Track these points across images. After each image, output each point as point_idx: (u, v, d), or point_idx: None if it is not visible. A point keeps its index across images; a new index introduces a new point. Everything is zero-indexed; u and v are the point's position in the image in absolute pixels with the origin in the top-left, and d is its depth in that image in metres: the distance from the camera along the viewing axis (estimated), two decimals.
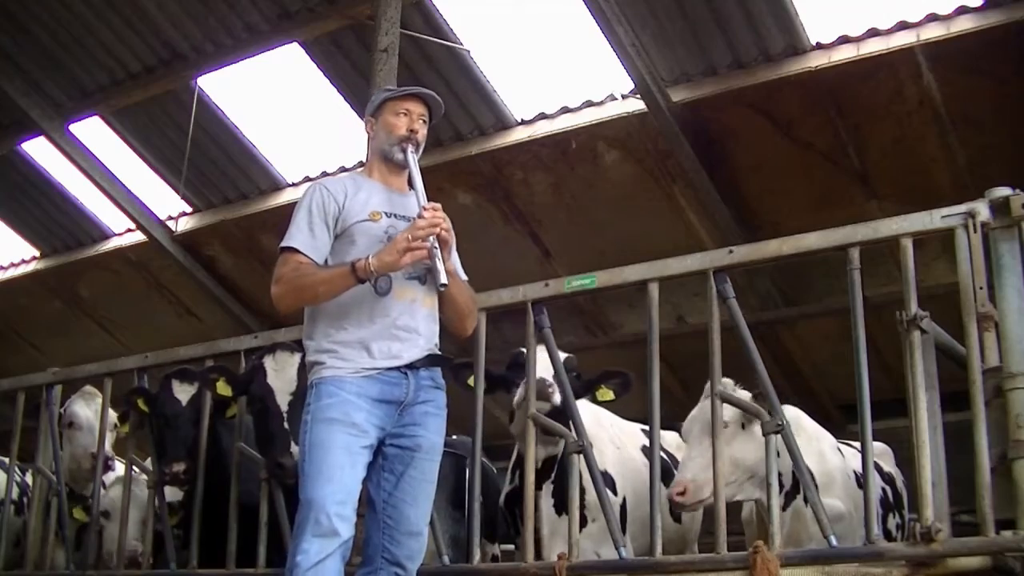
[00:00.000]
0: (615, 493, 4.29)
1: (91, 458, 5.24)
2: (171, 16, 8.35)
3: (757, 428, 3.88)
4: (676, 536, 4.68)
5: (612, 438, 4.55)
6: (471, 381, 4.14)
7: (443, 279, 3.20)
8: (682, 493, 3.75)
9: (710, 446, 3.63)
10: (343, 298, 3.29)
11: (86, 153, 9.65)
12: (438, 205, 3.30)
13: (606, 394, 4.22)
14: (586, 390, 4.19)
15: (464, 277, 3.59)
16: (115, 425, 5.21)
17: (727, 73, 7.55)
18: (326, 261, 3.38)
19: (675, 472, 4.82)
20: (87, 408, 5.48)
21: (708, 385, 3.98)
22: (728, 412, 3.86)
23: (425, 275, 3.36)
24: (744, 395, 3.94)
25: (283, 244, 3.37)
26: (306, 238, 3.35)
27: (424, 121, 3.49)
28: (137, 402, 4.87)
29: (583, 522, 4.06)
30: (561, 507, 3.98)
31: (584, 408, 4.32)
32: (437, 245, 3.23)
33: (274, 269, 3.38)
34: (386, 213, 3.41)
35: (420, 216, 3.26)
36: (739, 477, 3.94)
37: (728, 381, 4.09)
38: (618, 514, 4.21)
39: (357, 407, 3.23)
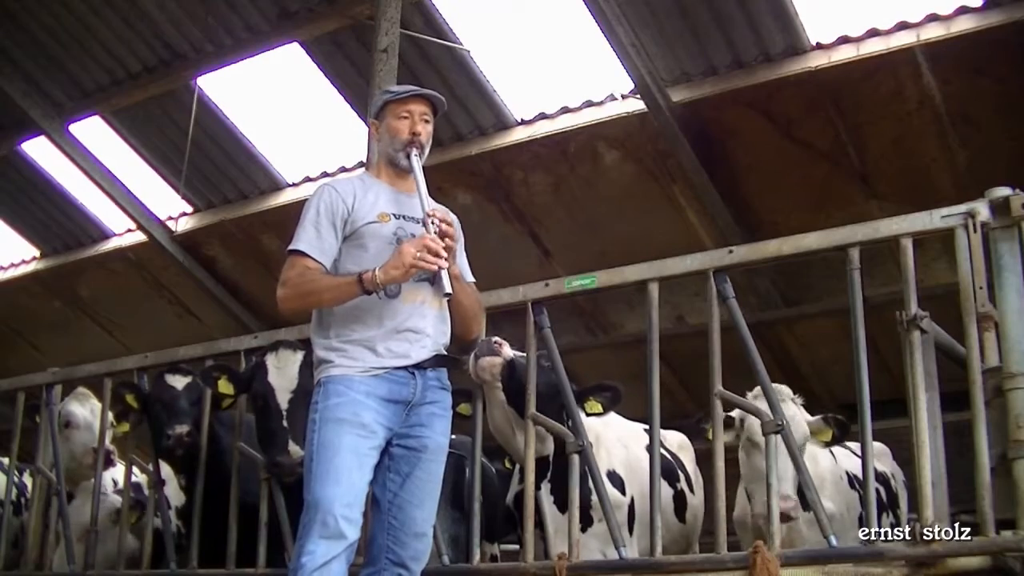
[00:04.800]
0: (623, 493, 4.27)
1: (92, 453, 5.22)
2: (171, 16, 8.36)
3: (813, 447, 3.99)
4: (680, 536, 4.68)
5: (620, 437, 4.52)
6: (460, 408, 4.08)
7: (447, 288, 3.18)
8: (793, 506, 3.82)
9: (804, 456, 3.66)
10: (352, 301, 3.29)
11: (86, 153, 9.66)
12: (444, 210, 3.29)
13: (595, 407, 4.16)
14: (577, 400, 4.10)
15: (471, 279, 3.58)
16: (112, 424, 5.20)
17: (727, 73, 7.55)
18: (335, 263, 3.37)
19: (678, 472, 4.85)
20: (82, 407, 5.48)
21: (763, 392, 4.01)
22: (802, 431, 3.98)
23: (433, 276, 3.34)
24: (802, 411, 4.09)
25: (290, 247, 3.37)
26: (313, 240, 3.34)
27: (427, 120, 3.48)
28: (127, 398, 4.83)
29: (589, 521, 4.06)
30: (563, 505, 3.97)
31: None
32: (444, 255, 3.20)
33: (281, 271, 3.38)
34: (394, 215, 3.40)
35: (424, 224, 3.24)
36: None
37: (785, 389, 4.20)
38: (626, 514, 4.21)
39: (366, 407, 3.22)
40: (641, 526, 4.24)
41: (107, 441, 5.13)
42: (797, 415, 4.15)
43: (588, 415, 4.17)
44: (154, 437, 4.73)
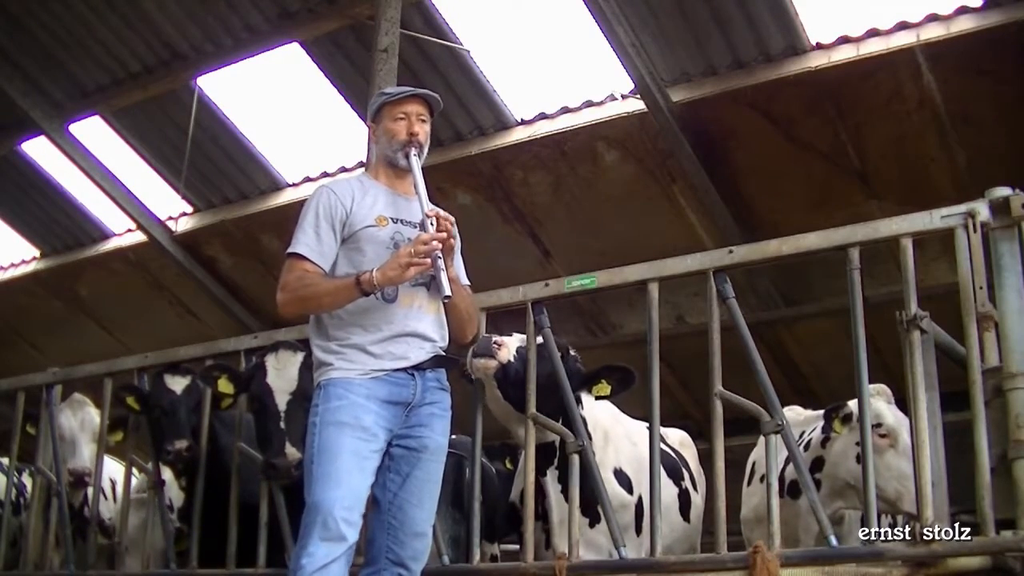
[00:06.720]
0: (631, 492, 4.24)
1: (67, 473, 5.19)
2: (171, 16, 8.35)
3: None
4: (684, 536, 4.67)
5: (629, 434, 4.50)
6: None
7: (446, 291, 3.19)
8: None
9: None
10: (350, 305, 3.29)
11: (86, 153, 9.65)
12: (441, 212, 3.28)
13: (603, 389, 4.14)
14: (585, 383, 4.13)
15: (466, 282, 3.57)
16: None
17: (727, 73, 7.55)
18: (334, 265, 3.37)
19: (682, 470, 4.84)
20: (72, 419, 5.43)
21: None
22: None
23: (430, 280, 3.35)
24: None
25: (289, 250, 3.37)
26: (312, 243, 3.35)
27: (424, 120, 3.48)
28: (127, 400, 4.81)
29: (597, 518, 4.05)
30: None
31: (602, 405, 4.30)
32: (441, 256, 3.21)
33: (281, 274, 3.38)
34: (392, 219, 3.40)
35: (423, 225, 3.25)
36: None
37: (885, 389, 4.20)
38: (634, 513, 4.20)
39: (367, 409, 3.22)
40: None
41: (91, 452, 5.11)
42: (906, 421, 4.03)
43: (597, 399, 4.17)
44: (153, 441, 4.73)
